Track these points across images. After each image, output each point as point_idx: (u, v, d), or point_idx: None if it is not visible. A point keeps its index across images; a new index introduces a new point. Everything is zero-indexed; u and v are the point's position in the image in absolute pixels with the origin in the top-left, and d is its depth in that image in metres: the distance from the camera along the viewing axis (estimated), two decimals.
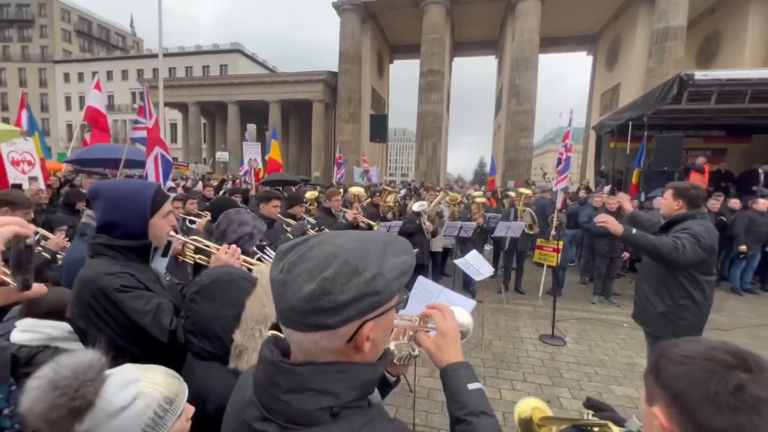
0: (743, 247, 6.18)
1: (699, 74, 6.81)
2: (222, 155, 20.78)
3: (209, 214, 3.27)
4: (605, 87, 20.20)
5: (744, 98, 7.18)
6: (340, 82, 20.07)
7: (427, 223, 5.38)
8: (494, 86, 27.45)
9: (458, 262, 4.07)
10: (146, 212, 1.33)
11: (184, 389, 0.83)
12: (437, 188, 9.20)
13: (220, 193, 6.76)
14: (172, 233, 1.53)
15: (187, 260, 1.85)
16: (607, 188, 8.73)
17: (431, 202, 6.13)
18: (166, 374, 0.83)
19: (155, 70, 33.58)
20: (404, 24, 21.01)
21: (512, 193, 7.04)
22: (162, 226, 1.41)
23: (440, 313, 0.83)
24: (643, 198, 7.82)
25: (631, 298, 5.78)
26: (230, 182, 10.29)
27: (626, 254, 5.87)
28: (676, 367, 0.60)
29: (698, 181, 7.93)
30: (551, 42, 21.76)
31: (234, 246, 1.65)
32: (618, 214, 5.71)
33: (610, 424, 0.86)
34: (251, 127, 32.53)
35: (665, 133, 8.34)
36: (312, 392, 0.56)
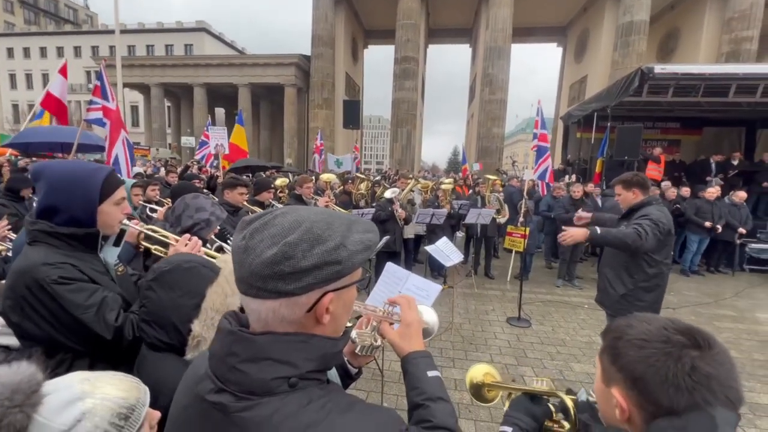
0: (708, 224, 6.57)
1: (658, 68, 7.14)
2: (188, 140, 19.83)
3: (170, 201, 3.12)
4: (573, 78, 20.84)
5: (698, 92, 7.62)
6: (313, 66, 19.51)
7: (399, 210, 5.40)
8: (468, 75, 27.64)
9: (429, 248, 4.12)
10: (94, 198, 1.22)
11: (143, 397, 0.72)
12: (409, 176, 9.24)
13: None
14: (126, 221, 1.44)
15: (151, 250, 1.75)
16: (572, 177, 9.09)
17: (403, 189, 6.14)
18: (120, 383, 0.72)
19: (112, 48, 31.21)
20: (379, 8, 20.59)
21: (490, 176, 7.15)
22: (113, 213, 1.30)
23: (407, 303, 0.85)
24: (604, 186, 8.21)
25: (592, 281, 6.14)
26: (195, 168, 9.85)
27: None
28: (634, 351, 0.62)
29: (654, 170, 8.43)
30: (524, 32, 22.08)
31: (195, 238, 1.57)
32: (581, 201, 5.98)
33: (560, 393, 0.89)
34: (219, 111, 31.20)
35: (627, 124, 8.74)
36: (270, 361, 0.55)
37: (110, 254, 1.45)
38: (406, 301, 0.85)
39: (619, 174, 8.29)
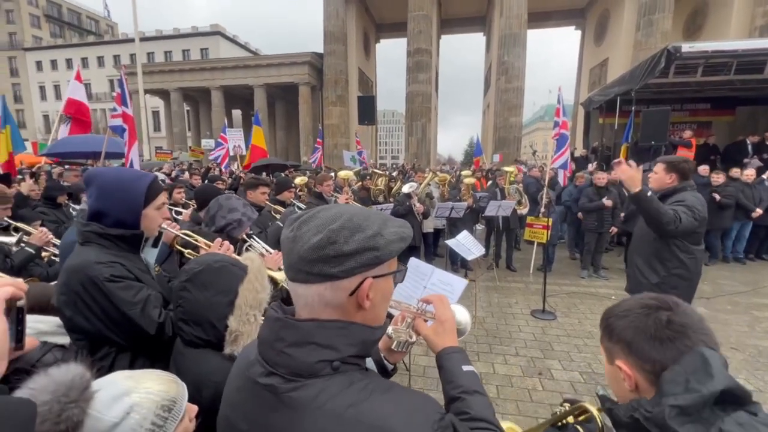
0: (759, 211, 6.25)
1: (686, 46, 6.79)
2: (208, 142, 20.30)
3: (194, 202, 3.22)
4: (594, 62, 20.06)
5: (729, 70, 7.21)
6: (326, 63, 19.55)
7: (418, 205, 5.39)
8: (482, 64, 27.07)
9: (450, 242, 4.10)
10: (140, 202, 1.32)
11: (182, 391, 0.79)
12: (426, 169, 9.17)
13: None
14: (164, 225, 1.52)
15: (184, 253, 1.84)
16: (594, 165, 8.80)
17: (420, 183, 6.12)
18: (160, 379, 0.78)
19: (132, 56, 32.23)
20: (390, 1, 20.37)
21: (508, 168, 7.02)
22: (154, 217, 1.40)
23: (441, 302, 0.89)
24: None
25: (618, 271, 5.97)
26: (216, 170, 10.11)
27: (614, 228, 5.97)
28: (621, 321, 0.75)
29: (686, 155, 8.04)
30: (540, 17, 21.39)
31: (227, 243, 1.63)
32: (606, 189, 5.80)
33: (585, 404, 0.89)
34: (236, 113, 31.81)
35: (652, 107, 8.38)
36: (314, 345, 0.59)
37: (150, 255, 1.53)
38: (440, 300, 0.89)
39: (646, 161, 7.96)
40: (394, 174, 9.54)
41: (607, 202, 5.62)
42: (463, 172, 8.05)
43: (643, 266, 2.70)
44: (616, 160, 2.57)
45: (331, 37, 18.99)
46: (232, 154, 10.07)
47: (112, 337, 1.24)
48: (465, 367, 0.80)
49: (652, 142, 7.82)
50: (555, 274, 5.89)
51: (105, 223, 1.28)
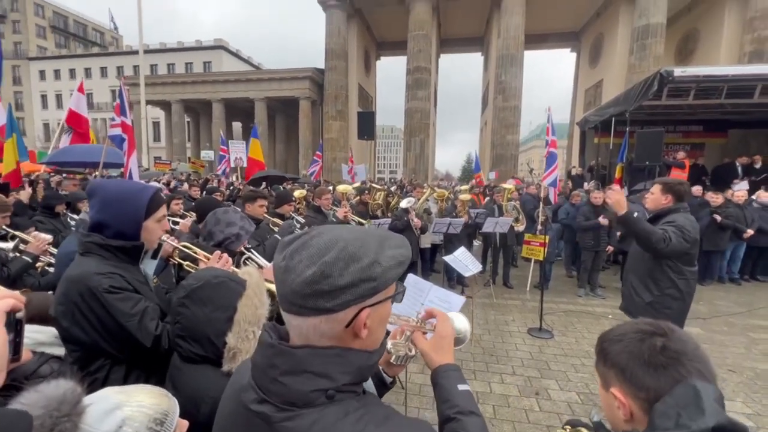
0: (750, 232, 6.29)
1: (678, 71, 6.99)
2: (207, 154, 20.42)
3: (194, 214, 3.22)
4: (589, 83, 20.55)
5: (720, 94, 7.41)
6: (327, 79, 19.89)
7: (416, 220, 5.41)
8: (480, 83, 27.63)
9: (447, 258, 4.11)
10: (141, 214, 1.34)
11: (174, 406, 0.79)
12: (424, 185, 9.24)
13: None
14: (164, 237, 1.53)
15: (183, 266, 1.84)
16: (591, 184, 8.91)
17: (418, 199, 6.16)
18: (152, 393, 0.78)
19: (136, 67, 32.64)
20: (390, 20, 20.91)
21: (506, 185, 7.10)
22: (155, 229, 1.42)
23: (442, 317, 0.88)
24: (626, 192, 8.01)
25: (615, 290, 5.97)
26: (215, 181, 10.13)
27: (610, 247, 6.00)
28: (615, 345, 0.74)
29: (680, 175, 8.18)
30: (536, 39, 22.00)
31: (225, 256, 1.64)
32: (602, 208, 5.85)
33: (583, 430, 0.89)
34: (236, 125, 32.09)
35: (646, 128, 8.55)
36: (309, 374, 0.57)
37: (149, 266, 1.54)
38: (442, 315, 0.88)
39: (640, 180, 8.07)
40: (393, 189, 9.60)
41: (603, 220, 5.67)
42: (462, 187, 8.11)
43: (638, 285, 2.74)
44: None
45: (333, 54, 19.38)
46: (233, 165, 10.14)
47: (107, 348, 1.24)
48: (461, 387, 0.80)
49: (647, 163, 7.95)
50: (552, 292, 5.88)
51: (106, 235, 1.29)
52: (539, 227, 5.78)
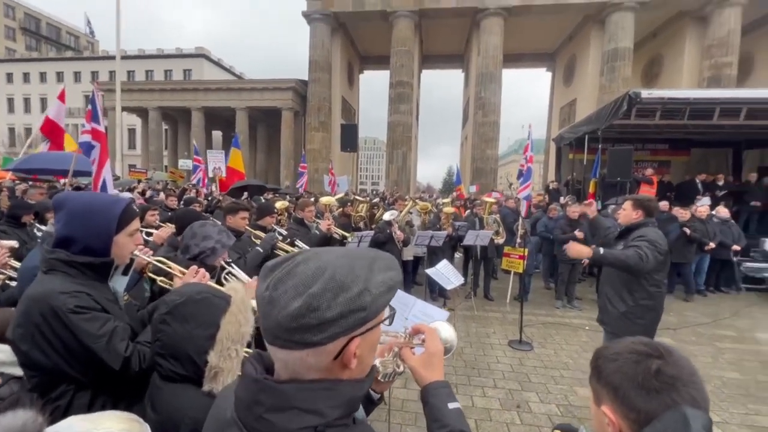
0: (712, 245, 6.62)
1: (645, 93, 7.41)
2: (185, 163, 19.93)
3: (170, 225, 3.12)
4: (563, 102, 21.48)
5: (683, 115, 7.88)
6: (310, 90, 19.96)
7: (398, 232, 5.43)
8: (461, 98, 28.39)
9: (430, 271, 4.13)
10: (111, 228, 1.27)
11: (145, 429, 0.74)
12: (406, 197, 9.31)
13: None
14: (137, 252, 1.47)
15: (157, 281, 1.76)
16: (566, 198, 9.22)
17: (401, 211, 6.20)
18: (120, 419, 0.73)
19: (112, 73, 31.81)
20: (374, 35, 21.32)
21: (487, 199, 7.26)
22: (126, 244, 1.35)
23: (432, 333, 0.86)
24: (599, 206, 8.33)
25: (591, 301, 6.13)
26: (193, 191, 9.88)
27: (586, 260, 6.19)
28: (610, 364, 0.73)
29: (648, 191, 8.59)
30: (514, 58, 22.91)
31: (202, 271, 1.59)
32: (578, 222, 6.06)
33: None
34: (217, 134, 31.56)
35: (617, 146, 8.98)
36: (296, 411, 0.54)
37: (119, 283, 1.46)
38: (431, 331, 0.86)
39: (613, 195, 8.43)
40: (376, 200, 9.63)
41: (579, 233, 5.86)
42: (444, 200, 8.22)
43: (613, 296, 2.84)
44: (566, 246, 2.85)
45: (317, 66, 19.51)
46: (211, 175, 9.93)
47: (71, 373, 1.15)
48: (451, 405, 0.78)
49: (618, 179, 8.32)
50: (531, 304, 5.99)
51: (72, 250, 1.22)
52: (519, 240, 5.91)
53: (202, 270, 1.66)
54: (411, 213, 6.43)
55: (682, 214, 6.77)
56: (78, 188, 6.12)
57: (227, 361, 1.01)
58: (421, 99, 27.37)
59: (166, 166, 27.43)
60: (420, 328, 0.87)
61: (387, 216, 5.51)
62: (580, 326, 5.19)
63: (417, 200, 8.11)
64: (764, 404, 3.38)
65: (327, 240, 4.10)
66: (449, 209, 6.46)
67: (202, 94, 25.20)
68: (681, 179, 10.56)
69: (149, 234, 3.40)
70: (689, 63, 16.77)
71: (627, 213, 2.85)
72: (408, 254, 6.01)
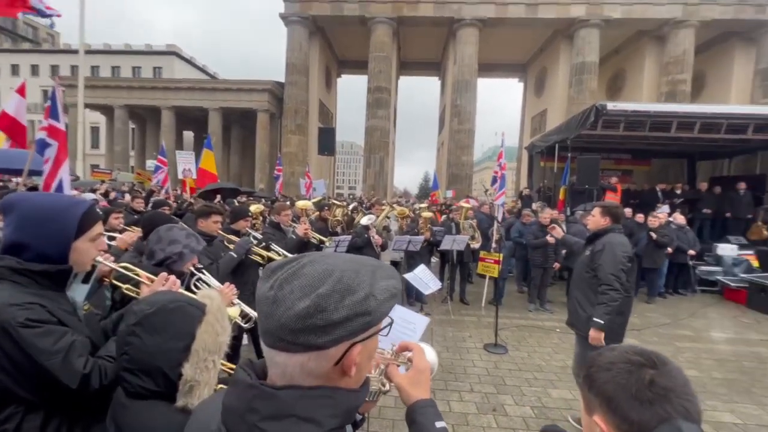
0: (670, 250, 7.04)
1: (611, 105, 7.82)
2: (152, 164, 19.09)
3: (136, 229, 2.96)
4: (535, 111, 22.32)
5: (645, 127, 8.37)
6: (287, 93, 19.69)
7: (376, 237, 5.41)
8: (438, 105, 28.89)
9: (407, 276, 4.12)
10: (70, 233, 1.16)
11: None
12: (383, 202, 9.32)
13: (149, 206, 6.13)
14: (99, 258, 1.36)
15: (122, 289, 1.65)
16: (537, 204, 9.54)
17: (378, 216, 6.18)
18: None
19: (74, 68, 30.11)
20: (352, 40, 21.37)
21: (464, 204, 7.38)
22: (87, 250, 1.24)
23: (419, 350, 0.84)
24: (568, 212, 8.67)
25: (561, 304, 6.33)
26: (162, 193, 9.46)
27: (557, 264, 6.41)
28: (603, 374, 0.71)
29: (613, 198, 9.04)
30: (488, 67, 23.61)
31: (173, 278, 1.50)
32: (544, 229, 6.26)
33: None
34: (188, 135, 30.48)
35: (585, 155, 9.39)
36: (294, 419, 0.52)
37: (78, 292, 1.35)
38: (419, 348, 0.85)
39: (581, 202, 8.79)
40: (354, 205, 9.57)
41: (550, 239, 6.06)
42: (421, 205, 8.29)
43: (583, 300, 2.95)
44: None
45: (294, 69, 19.29)
46: (180, 177, 9.54)
47: (20, 393, 1.04)
48: (438, 424, 0.77)
49: (586, 186, 8.71)
50: (505, 308, 6.11)
51: (24, 257, 1.10)
52: (494, 245, 6.04)
53: (173, 277, 1.57)
54: (389, 218, 6.44)
55: (651, 221, 7.14)
56: (33, 188, 5.70)
57: (204, 373, 0.95)
58: (398, 104, 27.62)
59: (132, 167, 26.20)
60: (407, 346, 0.85)
61: (365, 220, 5.48)
62: (552, 329, 5.34)
63: (394, 205, 8.14)
64: (720, 400, 3.59)
65: (304, 245, 4.02)
66: (427, 214, 6.52)
67: (172, 93, 24.29)
68: (642, 187, 11.19)
69: (112, 239, 3.20)
70: (648, 79, 17.88)
71: (596, 219, 2.99)
72: (385, 259, 6.00)
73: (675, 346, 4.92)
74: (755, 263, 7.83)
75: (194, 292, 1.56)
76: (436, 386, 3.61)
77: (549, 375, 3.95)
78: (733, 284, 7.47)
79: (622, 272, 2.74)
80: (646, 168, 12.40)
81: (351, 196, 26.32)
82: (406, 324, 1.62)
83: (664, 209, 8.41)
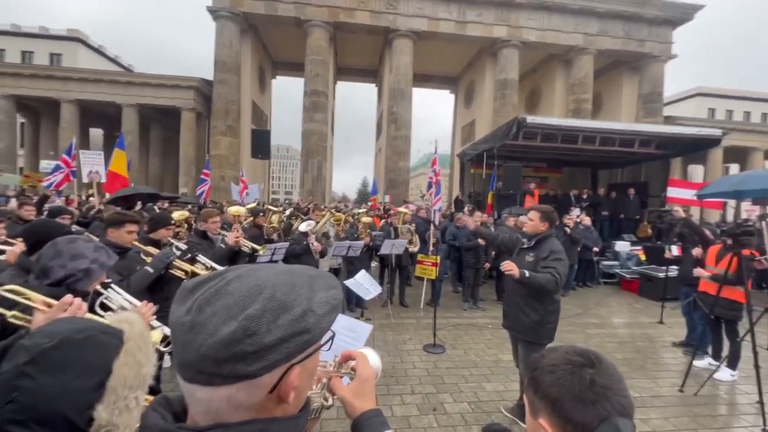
0: (578, 248, 7.94)
1: (530, 119, 8.68)
2: (50, 165, 16.41)
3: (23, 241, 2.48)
4: (465, 121, 23.85)
5: (557, 139, 9.44)
6: (216, 91, 18.41)
7: (315, 243, 5.27)
8: (375, 112, 29.37)
9: (348, 283, 4.08)
10: None
11: None
12: (323, 207, 9.15)
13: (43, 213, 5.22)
14: None
15: (6, 317, 1.35)
16: (467, 208, 10.17)
17: (318, 221, 6.05)
18: None
19: None
20: (287, 41, 20.78)
21: (402, 209, 7.55)
22: None
23: (362, 357, 0.80)
24: (496, 216, 9.38)
25: (492, 302, 6.80)
26: (59, 199, 8.17)
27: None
28: (547, 376, 0.72)
29: (532, 202, 10.00)
30: (423, 78, 24.68)
31: (78, 300, 1.27)
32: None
33: None
34: (96, 132, 26.82)
35: (510, 162, 10.28)
36: None
37: None
38: (362, 356, 0.81)
39: (507, 205, 9.55)
40: (288, 212, 9.23)
41: (481, 240, 6.47)
42: (360, 211, 8.30)
43: (524, 306, 3.05)
44: (504, 264, 2.98)
45: (223, 67, 18.14)
46: (86, 180, 8.32)
47: None
48: None
49: (511, 191, 9.53)
50: (442, 308, 6.35)
51: None
52: (431, 248, 6.26)
53: (78, 300, 1.34)
54: (332, 225, 6.33)
55: (567, 221, 8.00)
56: None
57: (123, 414, 0.77)
58: (337, 109, 27.48)
59: (21, 168, 22.28)
60: (350, 355, 0.81)
61: (303, 227, 5.31)
62: (485, 325, 5.69)
63: (333, 210, 8.03)
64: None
65: (234, 254, 3.75)
66: (367, 219, 6.54)
67: (76, 84, 21.17)
68: (557, 192, 12.58)
69: (1, 252, 2.65)
70: (558, 97, 20.24)
71: (535, 224, 3.10)
72: (324, 266, 5.87)
73: (586, 333, 5.56)
74: (643, 257, 9.24)
75: (101, 315, 1.35)
76: (378, 392, 3.60)
77: (483, 370, 4.19)
78: (627, 276, 8.73)
79: (565, 269, 2.94)
80: (558, 175, 14.01)
81: (288, 201, 25.43)
82: (348, 333, 1.57)
83: (576, 212, 9.54)
